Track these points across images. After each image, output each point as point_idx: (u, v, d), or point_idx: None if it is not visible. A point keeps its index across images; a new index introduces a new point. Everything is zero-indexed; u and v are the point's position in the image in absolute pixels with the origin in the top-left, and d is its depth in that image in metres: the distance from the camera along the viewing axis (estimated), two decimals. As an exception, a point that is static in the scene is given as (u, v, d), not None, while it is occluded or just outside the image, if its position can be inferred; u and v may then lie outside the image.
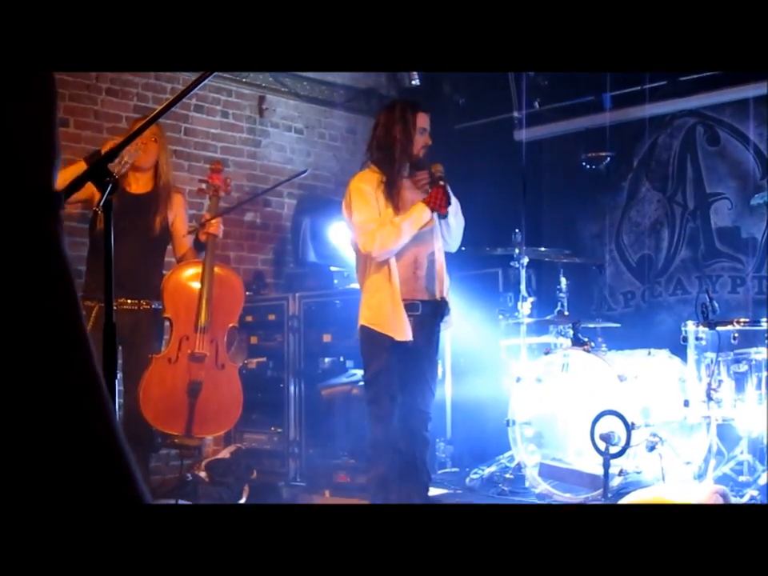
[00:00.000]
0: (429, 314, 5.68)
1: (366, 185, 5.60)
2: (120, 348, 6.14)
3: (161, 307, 6.32)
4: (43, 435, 1.19)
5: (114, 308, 6.03)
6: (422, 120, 5.67)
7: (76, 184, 2.97)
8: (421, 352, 5.67)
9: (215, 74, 3.23)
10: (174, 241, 6.45)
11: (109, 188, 2.90)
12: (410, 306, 5.60)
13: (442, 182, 5.54)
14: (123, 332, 6.13)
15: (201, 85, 3.26)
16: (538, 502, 6.19)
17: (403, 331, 5.49)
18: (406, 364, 5.61)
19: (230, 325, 6.58)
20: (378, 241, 5.45)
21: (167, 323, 6.35)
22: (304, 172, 7.57)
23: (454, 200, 5.68)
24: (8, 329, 1.18)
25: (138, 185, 6.28)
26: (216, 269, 6.48)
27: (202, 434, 6.58)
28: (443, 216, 5.57)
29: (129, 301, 6.19)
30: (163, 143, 6.41)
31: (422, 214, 5.51)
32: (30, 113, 1.27)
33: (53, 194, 1.29)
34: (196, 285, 6.35)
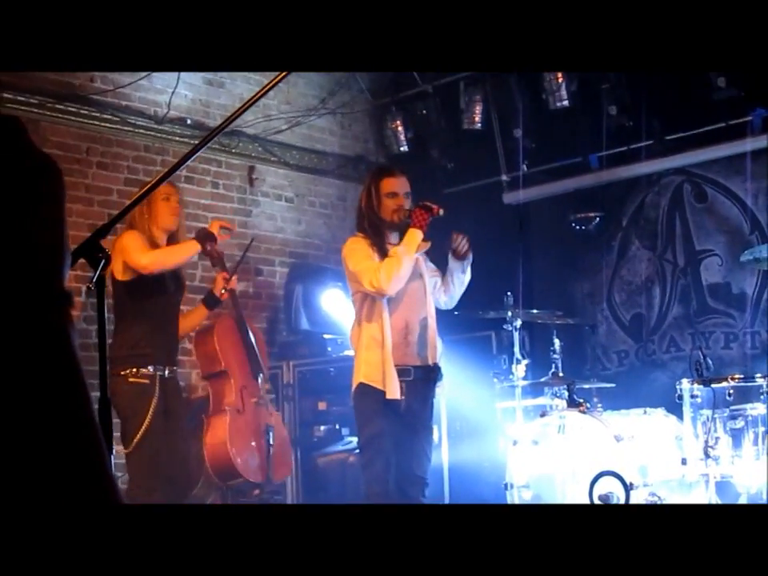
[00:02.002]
0: (422, 379, 5.68)
1: (359, 245, 5.65)
2: (165, 417, 6.07)
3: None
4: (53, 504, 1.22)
5: (170, 375, 6.04)
6: (389, 185, 5.70)
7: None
8: (415, 417, 5.66)
9: (205, 145, 3.24)
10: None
11: (102, 264, 2.89)
12: (402, 372, 5.60)
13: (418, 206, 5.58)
14: (173, 400, 6.14)
15: (194, 156, 3.28)
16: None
17: (393, 389, 5.50)
18: (400, 429, 5.60)
19: (264, 375, 6.73)
20: (382, 273, 5.46)
21: (217, 377, 6.42)
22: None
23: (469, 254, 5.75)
24: (18, 417, 1.21)
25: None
26: (247, 321, 6.68)
27: (277, 478, 6.66)
28: (437, 215, 5.56)
29: (174, 368, 6.20)
30: (183, 205, 6.49)
31: (413, 236, 5.54)
32: (40, 214, 1.30)
33: (62, 293, 1.32)
34: (238, 336, 6.52)
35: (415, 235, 5.55)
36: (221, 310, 6.78)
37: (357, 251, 5.66)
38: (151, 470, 5.87)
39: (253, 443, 6.36)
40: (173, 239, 6.27)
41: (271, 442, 6.40)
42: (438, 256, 6.05)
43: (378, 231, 5.69)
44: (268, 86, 3.13)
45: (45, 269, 1.33)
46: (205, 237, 6.12)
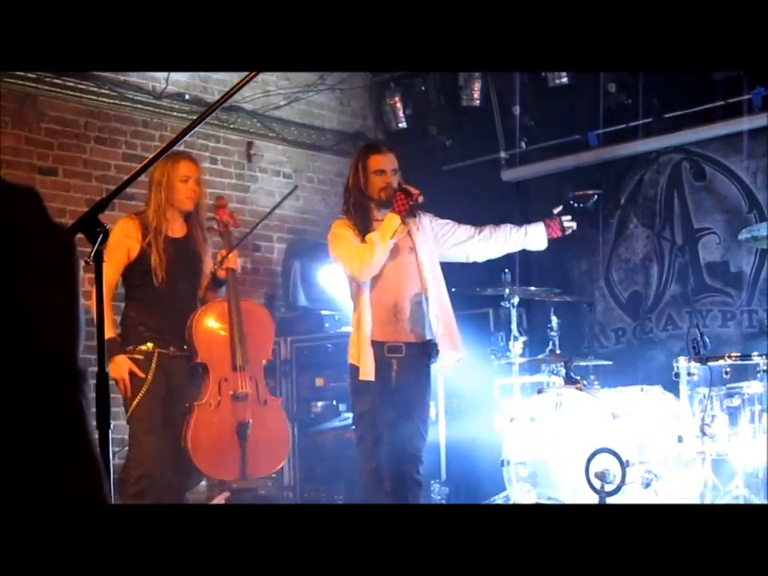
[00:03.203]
0: (414, 355, 5.67)
1: (341, 230, 5.66)
2: (169, 395, 6.02)
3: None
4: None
5: (175, 355, 5.99)
6: (377, 162, 5.67)
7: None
8: (408, 394, 5.66)
9: (203, 120, 3.24)
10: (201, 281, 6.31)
11: (99, 239, 2.90)
12: (393, 349, 5.61)
13: (398, 190, 5.57)
14: (178, 379, 6.07)
15: (192, 132, 3.27)
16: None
17: (367, 370, 5.52)
18: (393, 406, 5.61)
19: (266, 359, 6.50)
20: (356, 259, 5.50)
21: (199, 369, 6.16)
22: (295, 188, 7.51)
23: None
24: (34, 489, 1.25)
25: (175, 229, 6.10)
26: (243, 303, 6.39)
27: (256, 475, 6.42)
28: (416, 204, 5.56)
29: (185, 347, 6.10)
30: (203, 185, 6.30)
31: (390, 222, 5.52)
32: (52, 285, 1.32)
33: (74, 367, 1.34)
34: (225, 324, 6.21)
35: (393, 220, 5.52)
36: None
37: (338, 236, 5.67)
38: (144, 444, 5.83)
39: (221, 440, 6.09)
40: (189, 219, 6.15)
41: (246, 440, 6.12)
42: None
43: (363, 211, 5.68)
44: (266, 62, 3.12)
45: (54, 341, 1.36)
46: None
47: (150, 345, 5.94)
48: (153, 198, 6.01)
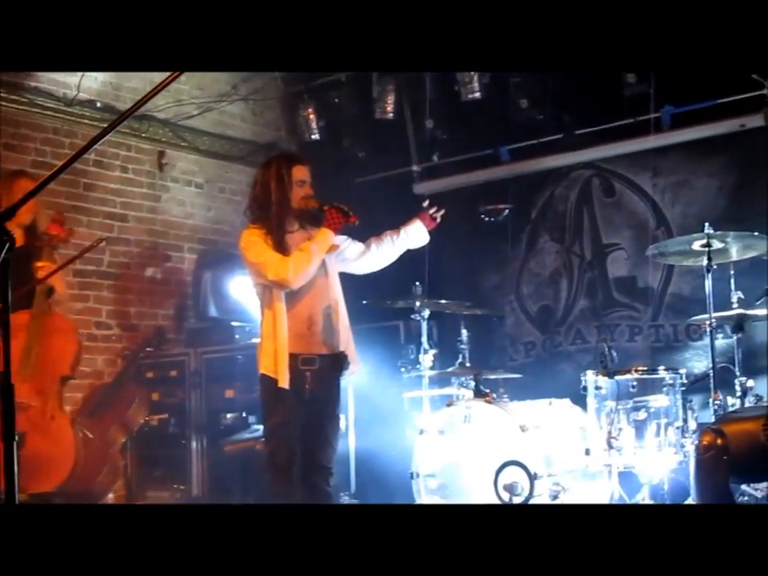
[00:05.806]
0: (327, 367, 5.65)
1: (256, 237, 5.61)
2: None
3: None
4: None
5: None
6: (299, 172, 5.68)
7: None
8: (320, 405, 5.64)
9: (114, 129, 3.21)
10: None
11: (6, 247, 2.85)
12: (306, 360, 5.57)
13: (326, 206, 5.59)
14: None
15: (103, 140, 3.24)
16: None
17: (284, 378, 5.48)
18: (305, 418, 5.58)
19: (61, 374, 6.46)
20: (291, 266, 5.44)
21: None
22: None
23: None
24: None
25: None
26: (47, 317, 6.35)
27: (31, 489, 6.25)
28: (352, 224, 5.59)
29: None
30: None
31: (326, 236, 5.53)
32: None
33: None
34: (19, 334, 6.11)
35: (328, 236, 5.54)
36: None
37: (256, 243, 5.60)
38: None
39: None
40: (29, 231, 6.27)
41: (20, 451, 6.12)
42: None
43: (281, 220, 5.65)
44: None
45: None
46: None
47: None
48: None
